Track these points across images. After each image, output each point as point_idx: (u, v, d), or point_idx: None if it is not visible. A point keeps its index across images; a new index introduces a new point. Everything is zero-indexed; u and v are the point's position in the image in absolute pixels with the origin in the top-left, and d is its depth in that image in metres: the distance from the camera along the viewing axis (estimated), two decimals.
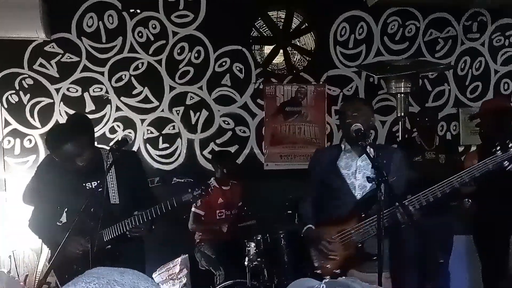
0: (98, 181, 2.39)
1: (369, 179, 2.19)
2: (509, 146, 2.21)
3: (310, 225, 2.52)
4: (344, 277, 0.82)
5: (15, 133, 4.25)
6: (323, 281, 0.81)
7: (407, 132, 4.33)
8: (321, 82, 4.64)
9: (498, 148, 2.22)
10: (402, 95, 4.20)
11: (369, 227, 2.36)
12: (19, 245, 4.03)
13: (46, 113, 4.26)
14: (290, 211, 3.70)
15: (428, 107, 4.63)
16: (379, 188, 2.09)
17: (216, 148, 4.46)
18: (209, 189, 2.47)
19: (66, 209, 2.51)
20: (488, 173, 2.26)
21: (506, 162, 2.21)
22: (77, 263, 2.38)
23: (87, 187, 2.43)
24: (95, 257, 2.22)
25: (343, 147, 2.52)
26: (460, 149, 4.50)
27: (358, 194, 2.43)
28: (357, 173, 2.45)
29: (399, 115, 4.28)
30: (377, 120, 4.67)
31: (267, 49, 4.63)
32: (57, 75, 4.27)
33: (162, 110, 4.43)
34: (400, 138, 4.26)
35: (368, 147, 2.29)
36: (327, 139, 4.61)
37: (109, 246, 2.43)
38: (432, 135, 3.75)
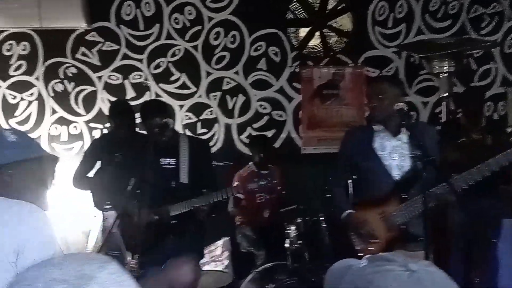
0: (174, 159, 2.64)
1: (415, 158, 2.16)
2: None
3: (350, 211, 2.50)
4: (385, 253, 0.81)
5: (61, 121, 4.42)
6: (364, 257, 0.80)
7: (451, 113, 4.17)
8: (359, 64, 4.53)
9: None
10: (446, 74, 4.05)
11: (412, 207, 2.31)
12: (68, 229, 4.21)
13: (89, 101, 4.41)
14: (329, 195, 3.68)
15: (473, 86, 4.44)
16: (425, 168, 2.07)
17: (253, 133, 4.47)
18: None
19: (133, 180, 2.51)
20: None
21: None
22: (143, 231, 2.52)
23: (162, 163, 2.64)
24: (160, 230, 2.54)
25: (374, 128, 2.47)
26: (508, 130, 4.30)
27: (397, 174, 2.40)
28: (393, 154, 2.42)
29: (442, 95, 4.13)
30: (419, 101, 4.53)
31: (303, 31, 4.56)
32: (98, 64, 4.40)
33: (200, 96, 4.47)
34: (444, 119, 4.12)
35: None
36: (366, 122, 4.51)
37: (175, 221, 2.61)
38: (478, 116, 3.59)
